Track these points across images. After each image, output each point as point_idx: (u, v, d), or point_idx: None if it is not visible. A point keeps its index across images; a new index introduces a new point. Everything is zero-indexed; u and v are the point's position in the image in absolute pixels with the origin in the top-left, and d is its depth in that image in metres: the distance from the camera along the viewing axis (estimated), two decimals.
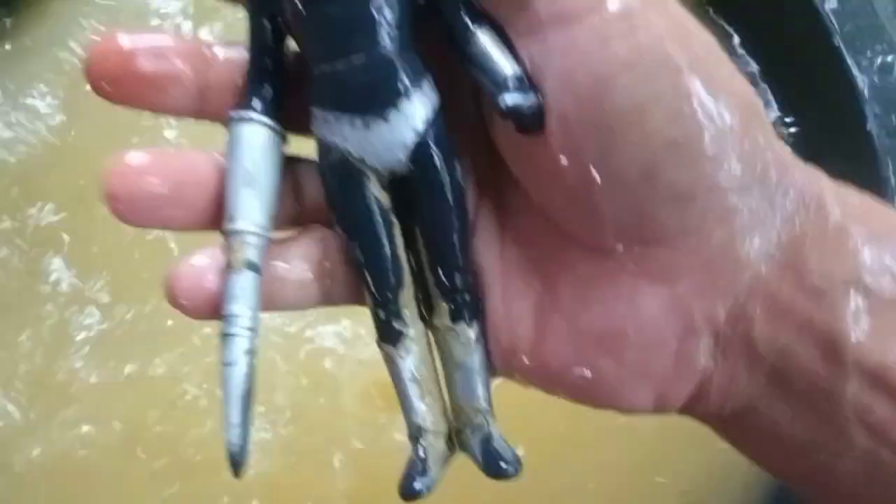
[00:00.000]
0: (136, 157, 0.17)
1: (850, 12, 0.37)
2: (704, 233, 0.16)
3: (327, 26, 0.17)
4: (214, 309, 0.18)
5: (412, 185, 0.18)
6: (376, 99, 0.17)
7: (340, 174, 0.18)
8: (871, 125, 0.36)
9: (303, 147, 0.19)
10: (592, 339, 0.18)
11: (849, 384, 0.16)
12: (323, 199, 0.19)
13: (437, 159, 0.18)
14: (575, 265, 0.18)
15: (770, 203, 0.16)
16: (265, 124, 0.18)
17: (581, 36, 0.16)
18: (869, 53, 0.37)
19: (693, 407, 0.18)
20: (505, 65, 0.17)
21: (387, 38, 0.17)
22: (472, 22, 0.17)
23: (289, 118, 0.19)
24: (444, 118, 0.18)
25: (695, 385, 0.17)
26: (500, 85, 0.17)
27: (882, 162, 0.35)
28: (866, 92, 0.36)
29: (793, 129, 0.42)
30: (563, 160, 0.16)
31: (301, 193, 0.19)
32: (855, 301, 0.16)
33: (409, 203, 0.19)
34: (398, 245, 0.19)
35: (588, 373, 0.18)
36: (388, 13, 0.17)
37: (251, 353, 0.18)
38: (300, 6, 0.17)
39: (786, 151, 0.17)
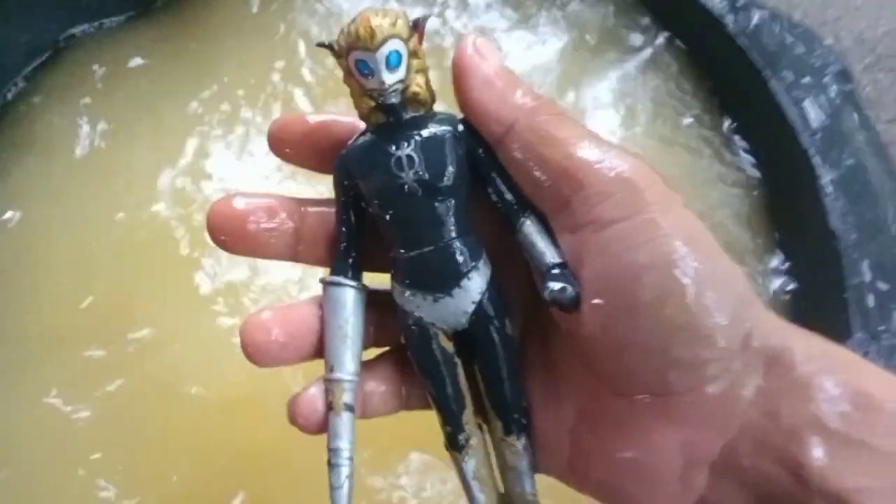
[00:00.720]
0: (265, 313, 0.23)
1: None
2: (703, 391, 0.21)
3: (404, 226, 0.22)
4: (321, 429, 0.23)
5: (472, 336, 0.23)
6: (443, 281, 0.22)
7: (416, 332, 0.23)
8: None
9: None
10: (617, 463, 0.22)
11: None
12: (397, 325, 0.24)
13: (491, 318, 0.23)
14: (607, 404, 0.22)
15: (751, 365, 0.21)
16: (352, 286, 0.23)
17: (612, 240, 0.20)
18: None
19: None
20: (548, 253, 0.21)
21: (451, 231, 0.22)
22: (522, 212, 0.22)
23: (370, 266, 0.24)
24: (496, 285, 0.23)
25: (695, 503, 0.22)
26: (544, 273, 0.21)
27: None
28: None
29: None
30: (597, 333, 0.21)
31: (383, 321, 0.25)
32: (817, 438, 0.20)
33: (472, 348, 0.23)
34: (460, 381, 0.24)
35: (611, 486, 0.23)
36: (451, 212, 0.22)
37: (351, 476, 0.23)
38: (382, 213, 0.22)
39: (768, 320, 0.21)
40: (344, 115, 0.24)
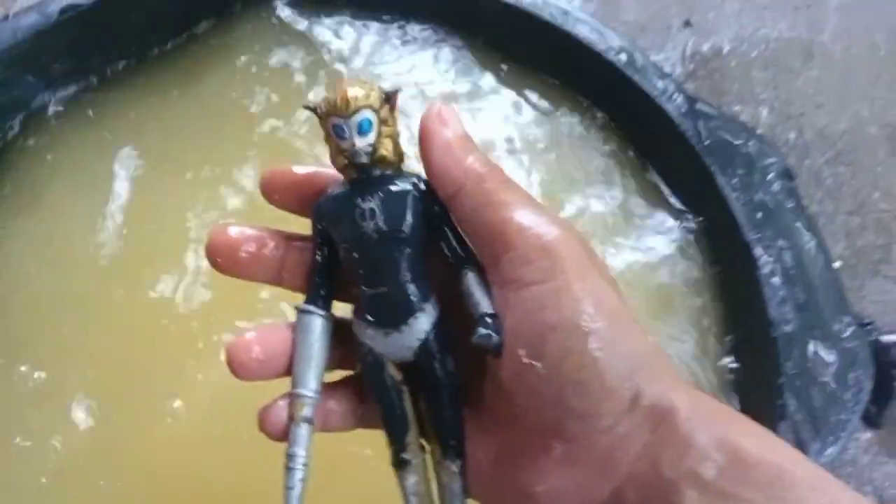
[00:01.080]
0: (249, 334, 0.26)
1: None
2: (595, 440, 0.23)
3: (365, 267, 0.25)
4: (284, 437, 0.26)
5: (417, 369, 0.26)
6: (394, 318, 0.25)
7: (369, 361, 0.26)
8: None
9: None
10: (526, 497, 0.25)
11: None
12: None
13: (434, 354, 0.25)
14: (520, 440, 0.25)
15: (639, 421, 0.23)
16: (320, 315, 0.27)
17: (528, 299, 0.23)
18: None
19: None
20: (483, 303, 0.24)
21: (405, 275, 0.25)
22: (466, 265, 0.25)
23: (340, 297, 0.27)
24: (441, 325, 0.25)
25: None
26: (476, 320, 0.24)
27: None
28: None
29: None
30: (512, 377, 0.24)
31: (347, 346, 0.27)
32: (693, 491, 0.22)
33: (417, 379, 0.26)
34: (406, 406, 0.27)
35: None
36: (406, 258, 0.25)
37: (304, 480, 0.26)
38: (348, 255, 0.25)
39: (659, 380, 0.24)
40: (326, 167, 0.27)
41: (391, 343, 0.25)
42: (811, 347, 0.42)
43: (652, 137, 0.52)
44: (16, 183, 0.53)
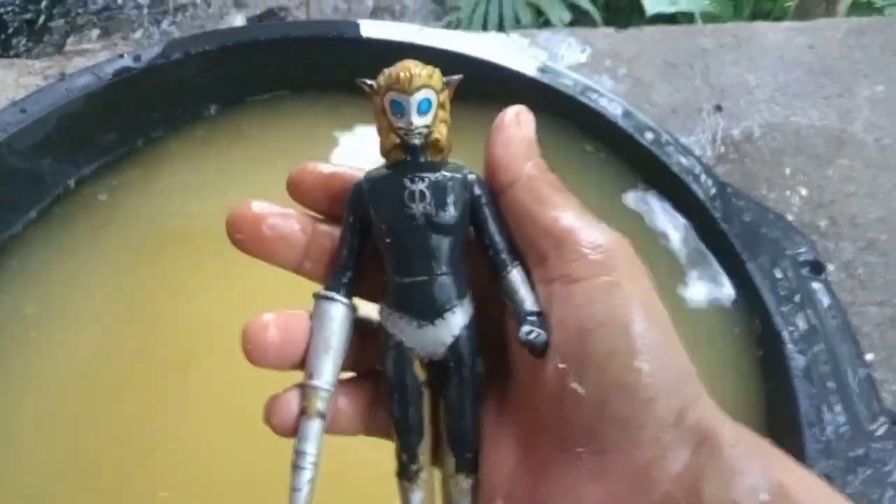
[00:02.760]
0: (266, 315, 0.25)
1: None
2: (632, 453, 0.22)
3: (402, 253, 0.24)
4: (291, 431, 0.24)
5: (444, 368, 0.24)
6: (429, 311, 0.24)
7: (394, 355, 0.25)
8: None
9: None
10: None
11: None
12: (375, 353, 0.25)
13: (466, 354, 0.24)
14: (543, 450, 0.23)
15: (682, 439, 0.22)
16: (343, 303, 0.25)
17: (577, 294, 0.22)
18: None
19: None
20: (528, 301, 0.23)
21: (444, 266, 0.24)
22: (510, 262, 0.24)
23: (361, 291, 0.26)
24: (475, 324, 0.24)
25: None
26: (520, 319, 0.23)
27: None
28: None
29: None
30: (549, 379, 0.22)
31: (364, 345, 0.26)
32: None
33: (441, 380, 0.25)
34: (424, 411, 0.25)
35: None
36: (446, 249, 0.24)
37: (313, 481, 0.24)
38: (386, 238, 0.24)
39: (704, 400, 0.22)
40: (354, 169, 0.26)
41: (423, 337, 0.24)
42: (843, 447, 0.41)
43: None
44: None
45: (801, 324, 0.44)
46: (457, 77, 0.24)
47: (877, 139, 0.71)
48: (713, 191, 0.50)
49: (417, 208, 0.24)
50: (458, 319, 0.24)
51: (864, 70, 0.78)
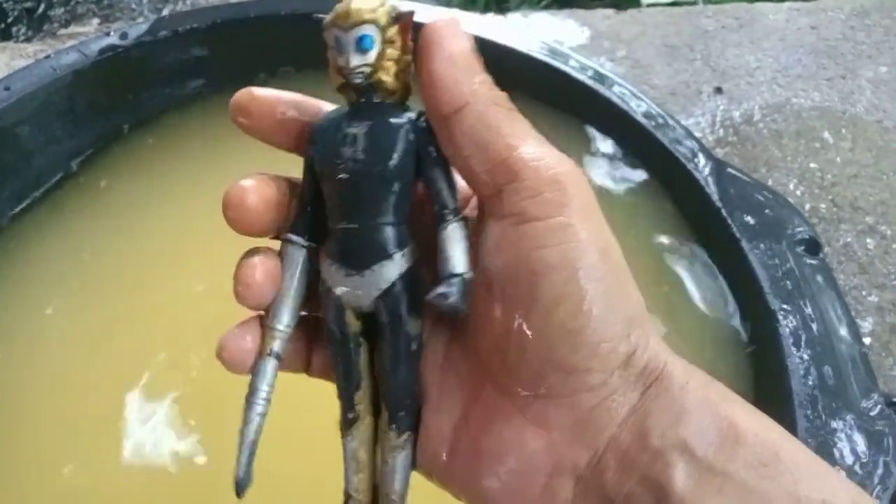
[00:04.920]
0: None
1: None
2: (578, 398, 0.21)
3: (336, 199, 0.23)
4: (241, 367, 0.24)
5: (377, 323, 0.24)
6: (358, 260, 0.23)
7: (329, 302, 0.24)
8: None
9: None
10: (486, 460, 0.22)
11: None
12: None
13: (396, 310, 0.23)
14: (488, 400, 0.23)
15: (629, 383, 0.21)
16: (302, 246, 0.24)
17: (529, 235, 0.21)
18: None
19: None
20: (452, 261, 0.22)
21: (377, 216, 0.22)
22: (452, 216, 0.23)
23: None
24: (409, 279, 0.23)
25: None
26: (442, 278, 0.22)
27: None
28: None
29: None
30: (497, 314, 0.22)
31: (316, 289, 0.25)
32: (682, 463, 0.20)
33: (374, 334, 0.24)
34: (361, 359, 0.24)
35: (478, 489, 0.23)
36: (381, 197, 0.22)
37: (263, 415, 0.24)
38: (321, 178, 0.23)
39: (653, 343, 0.22)
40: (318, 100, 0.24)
41: (350, 286, 0.23)
42: (835, 425, 0.40)
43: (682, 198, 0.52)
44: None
45: (796, 304, 0.43)
46: (408, 10, 0.22)
47: (879, 121, 0.70)
48: (708, 168, 0.49)
49: (347, 152, 0.22)
50: (388, 272, 0.23)
51: (867, 51, 0.77)
